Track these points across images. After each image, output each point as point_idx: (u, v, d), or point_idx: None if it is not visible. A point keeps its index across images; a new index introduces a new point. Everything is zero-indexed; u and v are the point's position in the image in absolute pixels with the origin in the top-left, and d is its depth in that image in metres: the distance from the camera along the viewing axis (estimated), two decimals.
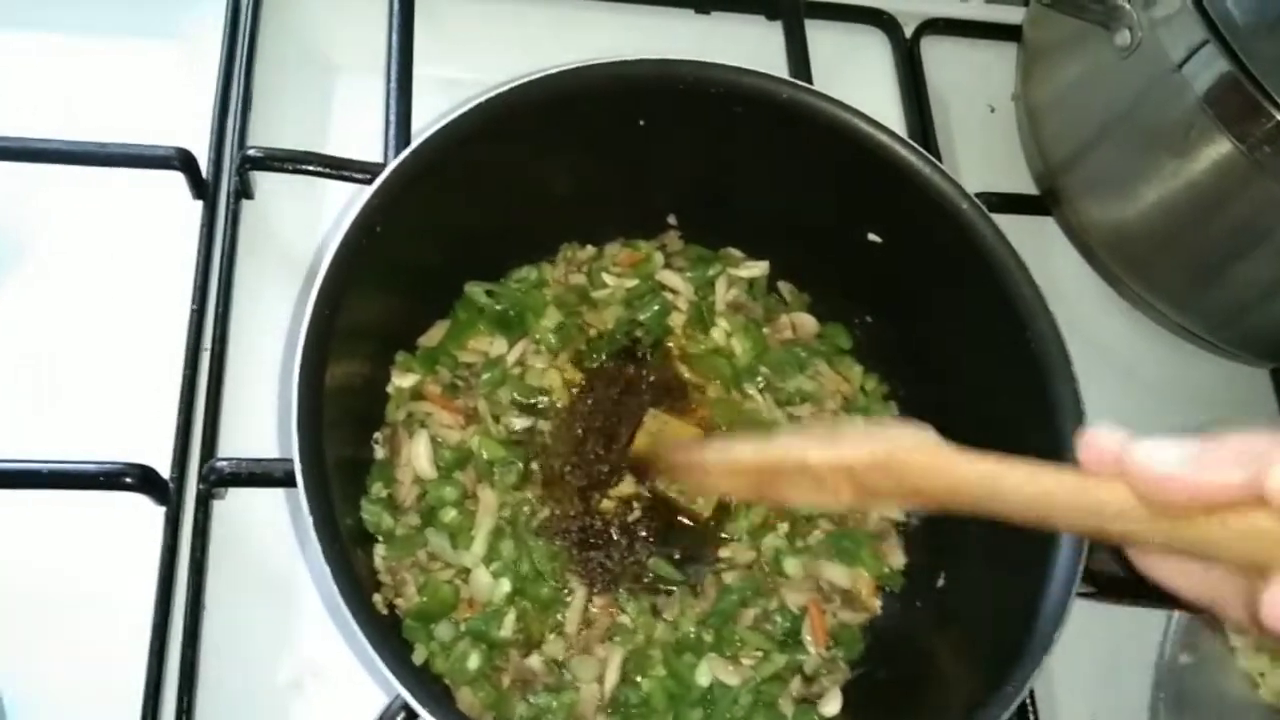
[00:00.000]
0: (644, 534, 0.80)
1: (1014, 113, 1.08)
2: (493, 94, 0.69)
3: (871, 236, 0.80)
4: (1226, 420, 0.97)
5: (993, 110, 1.10)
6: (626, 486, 0.81)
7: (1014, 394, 0.72)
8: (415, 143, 0.68)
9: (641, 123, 0.76)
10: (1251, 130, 0.81)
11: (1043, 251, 1.02)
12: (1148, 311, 0.99)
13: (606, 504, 0.80)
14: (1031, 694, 0.81)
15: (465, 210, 0.76)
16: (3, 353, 0.82)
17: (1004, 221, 0.91)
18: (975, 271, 0.73)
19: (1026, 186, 1.04)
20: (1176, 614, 0.84)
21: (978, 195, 0.97)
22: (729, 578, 0.78)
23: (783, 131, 0.76)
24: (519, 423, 0.81)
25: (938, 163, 0.74)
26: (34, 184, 0.87)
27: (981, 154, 1.07)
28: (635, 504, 0.80)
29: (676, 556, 0.79)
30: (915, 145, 0.74)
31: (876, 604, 0.80)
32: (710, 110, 0.75)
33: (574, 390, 0.83)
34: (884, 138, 0.73)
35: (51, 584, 0.76)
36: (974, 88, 1.11)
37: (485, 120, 0.69)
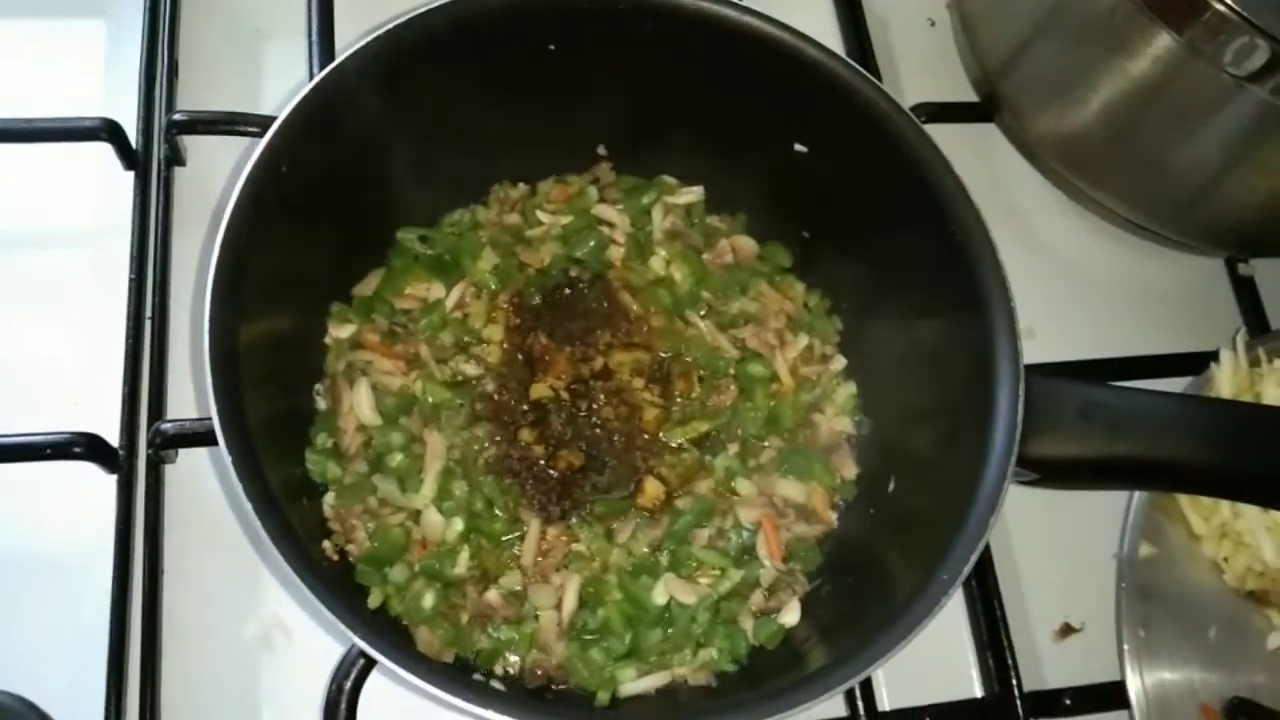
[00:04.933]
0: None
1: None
2: (386, 27, 0.69)
3: (798, 147, 0.80)
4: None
5: (933, 24, 1.09)
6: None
7: (945, 286, 0.71)
8: (314, 80, 0.67)
9: (551, 47, 0.75)
10: (1178, 12, 0.80)
11: (987, 158, 1.02)
12: (1097, 210, 0.99)
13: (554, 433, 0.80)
14: (1000, 601, 0.82)
15: (384, 151, 0.76)
16: None
17: (946, 131, 0.91)
18: (895, 165, 0.72)
19: (969, 97, 1.03)
20: (1134, 506, 0.84)
21: (917, 106, 0.97)
22: (681, 502, 0.78)
23: (694, 45, 0.75)
24: (467, 367, 0.81)
25: (845, 59, 0.73)
26: None
27: (924, 69, 1.06)
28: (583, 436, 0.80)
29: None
30: (820, 44, 0.73)
31: (832, 517, 0.80)
32: (619, 29, 0.75)
33: (516, 329, 0.83)
34: (789, 38, 0.73)
35: (9, 556, 0.77)
36: (912, 2, 1.09)
37: (383, 52, 0.68)
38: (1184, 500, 0.85)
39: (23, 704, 0.59)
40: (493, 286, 0.83)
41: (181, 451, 0.80)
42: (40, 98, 0.90)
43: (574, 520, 0.77)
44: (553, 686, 0.72)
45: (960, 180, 0.70)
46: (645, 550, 0.76)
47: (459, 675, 0.69)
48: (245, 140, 0.87)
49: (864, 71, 0.73)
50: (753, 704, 0.59)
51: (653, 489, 0.79)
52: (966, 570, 0.61)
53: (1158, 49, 0.83)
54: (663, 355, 0.83)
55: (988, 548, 0.83)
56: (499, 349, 0.82)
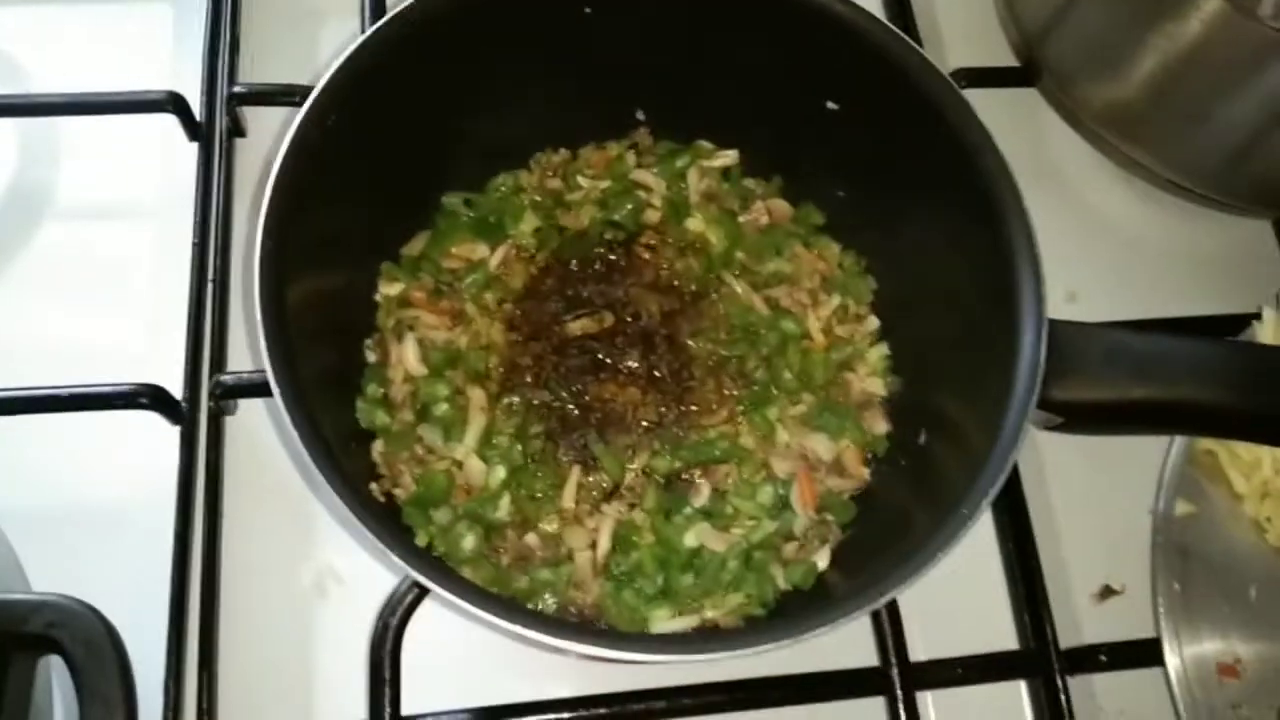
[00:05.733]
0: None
1: None
2: None
3: (829, 105, 0.81)
4: None
5: None
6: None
7: (973, 239, 0.72)
8: (360, 38, 0.71)
9: (588, 10, 0.78)
10: None
11: (1030, 124, 1.02)
12: (1141, 173, 0.98)
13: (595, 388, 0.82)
14: (1037, 557, 0.82)
15: (428, 116, 0.79)
16: (28, 291, 0.89)
17: (987, 96, 0.92)
18: (924, 119, 0.73)
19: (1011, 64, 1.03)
20: (1170, 464, 0.83)
21: (957, 71, 0.98)
22: (717, 448, 0.80)
23: (729, 7, 0.77)
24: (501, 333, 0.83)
25: (875, 15, 0.75)
26: (50, 137, 0.95)
27: (969, 41, 1.06)
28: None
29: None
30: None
31: (865, 472, 0.81)
32: None
33: (556, 290, 0.86)
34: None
35: (79, 501, 0.82)
36: None
37: (427, 13, 0.72)
38: (1224, 458, 0.84)
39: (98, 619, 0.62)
40: (533, 247, 0.86)
41: (241, 408, 0.84)
42: (111, 76, 0.95)
43: (609, 465, 0.79)
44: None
45: (985, 128, 0.71)
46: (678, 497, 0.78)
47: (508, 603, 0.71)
48: None
49: (889, 25, 0.74)
50: (770, 630, 0.61)
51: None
52: (985, 503, 0.62)
53: (1199, 4, 0.83)
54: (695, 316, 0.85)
55: (1024, 504, 0.83)
56: (540, 307, 0.84)
